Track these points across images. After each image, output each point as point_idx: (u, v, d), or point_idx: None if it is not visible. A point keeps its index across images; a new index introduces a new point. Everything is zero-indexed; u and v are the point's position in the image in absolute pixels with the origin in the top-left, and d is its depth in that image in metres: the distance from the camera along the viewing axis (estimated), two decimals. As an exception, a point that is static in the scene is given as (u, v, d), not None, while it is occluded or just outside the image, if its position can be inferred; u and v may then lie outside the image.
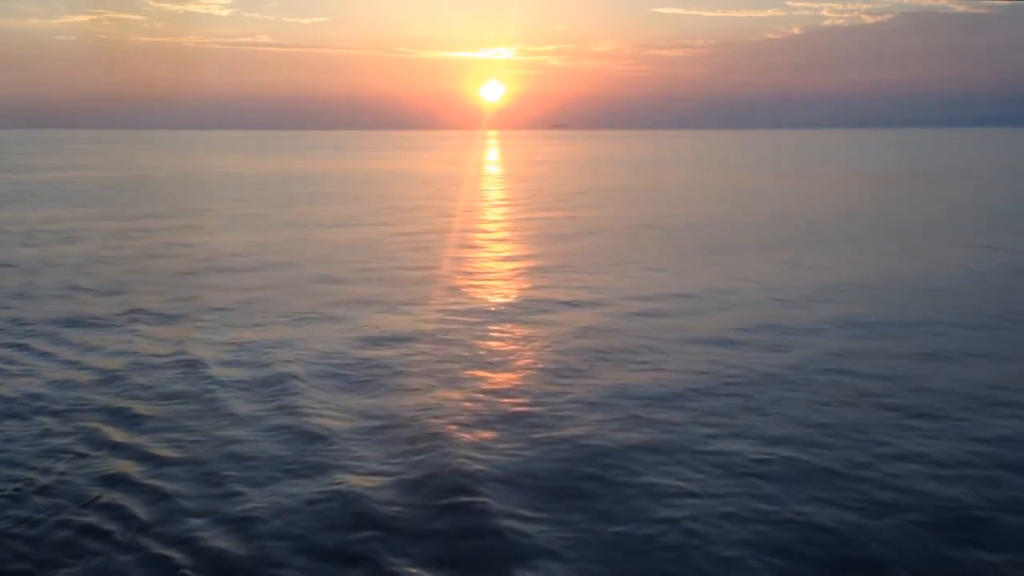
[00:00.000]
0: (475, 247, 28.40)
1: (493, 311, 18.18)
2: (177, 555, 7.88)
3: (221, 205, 44.04)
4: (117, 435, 10.79)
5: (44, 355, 14.56)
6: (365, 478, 9.41)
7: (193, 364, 13.91)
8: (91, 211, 40.74)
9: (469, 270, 23.67)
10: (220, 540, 8.13)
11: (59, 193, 51.66)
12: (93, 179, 66.75)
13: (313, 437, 10.67)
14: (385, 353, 14.67)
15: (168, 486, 9.27)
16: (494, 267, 24.28)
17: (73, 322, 16.96)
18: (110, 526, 8.40)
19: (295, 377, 13.17)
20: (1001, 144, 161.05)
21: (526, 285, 21.32)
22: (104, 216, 38.50)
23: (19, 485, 9.25)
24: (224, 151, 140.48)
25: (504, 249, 27.94)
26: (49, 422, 11.26)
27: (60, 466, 9.77)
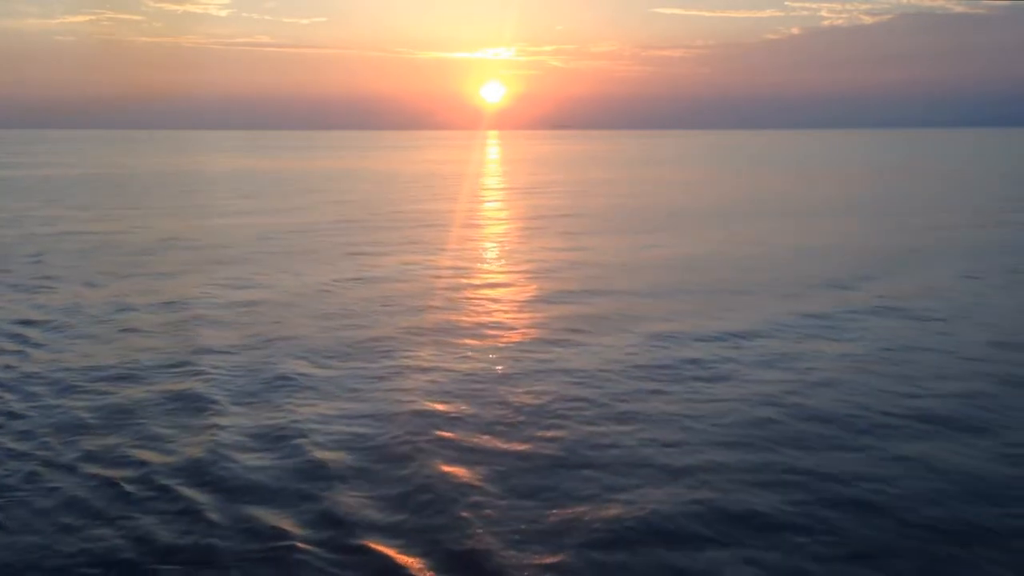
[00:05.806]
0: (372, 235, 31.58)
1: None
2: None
3: (164, 199, 47.36)
4: None
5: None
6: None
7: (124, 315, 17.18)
8: (45, 203, 43.92)
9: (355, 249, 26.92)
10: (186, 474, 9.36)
11: (41, 189, 55.19)
12: (71, 176, 69.94)
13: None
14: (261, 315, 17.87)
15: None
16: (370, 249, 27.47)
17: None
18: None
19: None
20: (995, 145, 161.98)
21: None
22: (61, 208, 41.75)
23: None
24: (218, 151, 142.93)
25: (391, 236, 31.16)
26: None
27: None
